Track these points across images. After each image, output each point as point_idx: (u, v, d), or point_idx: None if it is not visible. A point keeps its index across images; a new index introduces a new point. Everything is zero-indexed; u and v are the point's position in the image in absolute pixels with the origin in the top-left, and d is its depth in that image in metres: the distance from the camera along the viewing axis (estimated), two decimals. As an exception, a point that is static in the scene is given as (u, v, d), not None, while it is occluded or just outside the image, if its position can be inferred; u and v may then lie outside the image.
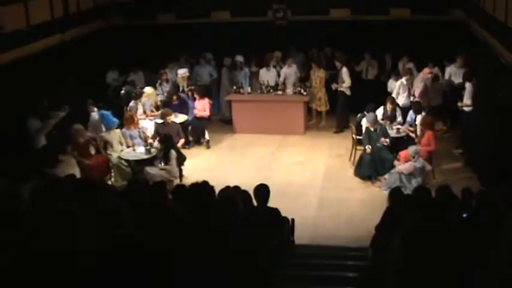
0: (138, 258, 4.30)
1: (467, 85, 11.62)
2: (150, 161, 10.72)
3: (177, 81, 13.87)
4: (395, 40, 14.47)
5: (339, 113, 13.78)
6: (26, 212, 5.34)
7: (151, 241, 4.59)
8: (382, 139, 10.92)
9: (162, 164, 10.68)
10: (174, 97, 13.02)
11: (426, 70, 13.13)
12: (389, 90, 13.30)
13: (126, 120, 11.41)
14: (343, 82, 13.36)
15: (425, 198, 6.42)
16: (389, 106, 11.75)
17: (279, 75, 14.21)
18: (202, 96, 13.24)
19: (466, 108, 11.71)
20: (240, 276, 4.55)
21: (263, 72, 14.21)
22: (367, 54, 14.79)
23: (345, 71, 13.37)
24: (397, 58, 14.50)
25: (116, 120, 11.56)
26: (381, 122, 11.50)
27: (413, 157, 10.21)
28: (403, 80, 12.74)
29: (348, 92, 13.49)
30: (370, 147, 10.84)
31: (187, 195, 6.02)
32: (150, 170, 10.41)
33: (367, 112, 11.44)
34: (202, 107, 13.16)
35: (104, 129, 11.47)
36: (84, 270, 4.24)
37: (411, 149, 10.36)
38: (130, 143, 11.10)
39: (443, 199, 6.46)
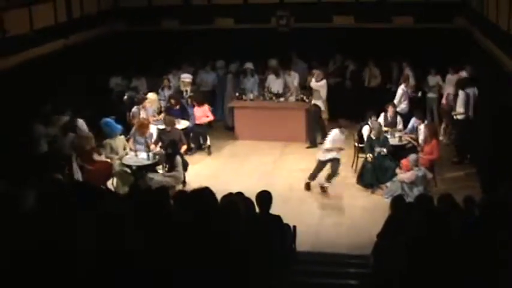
0: (138, 258, 4.31)
1: (460, 93, 11.71)
2: (152, 167, 10.71)
3: (180, 86, 13.88)
4: (398, 48, 14.46)
5: (311, 127, 13.41)
6: (26, 214, 5.34)
7: (151, 243, 4.59)
8: (378, 149, 10.88)
9: (166, 169, 10.67)
10: (173, 101, 12.99)
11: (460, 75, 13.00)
12: None
13: (139, 126, 11.34)
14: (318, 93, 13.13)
15: (428, 207, 6.41)
16: (390, 110, 11.74)
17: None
18: (201, 103, 13.23)
19: (459, 117, 11.79)
20: (239, 279, 4.55)
21: (272, 78, 14.11)
22: (370, 61, 14.72)
23: (323, 83, 13.16)
24: (399, 66, 14.47)
25: (119, 127, 11.52)
26: (384, 128, 11.49)
27: (416, 166, 10.18)
28: (403, 86, 12.74)
29: (322, 107, 13.25)
30: (371, 155, 10.82)
31: (189, 201, 6.01)
32: (153, 176, 10.40)
33: (368, 119, 11.40)
34: (202, 113, 13.16)
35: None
36: (84, 270, 4.24)
37: (411, 157, 10.34)
38: (133, 147, 11.11)
39: (446, 207, 6.45)
